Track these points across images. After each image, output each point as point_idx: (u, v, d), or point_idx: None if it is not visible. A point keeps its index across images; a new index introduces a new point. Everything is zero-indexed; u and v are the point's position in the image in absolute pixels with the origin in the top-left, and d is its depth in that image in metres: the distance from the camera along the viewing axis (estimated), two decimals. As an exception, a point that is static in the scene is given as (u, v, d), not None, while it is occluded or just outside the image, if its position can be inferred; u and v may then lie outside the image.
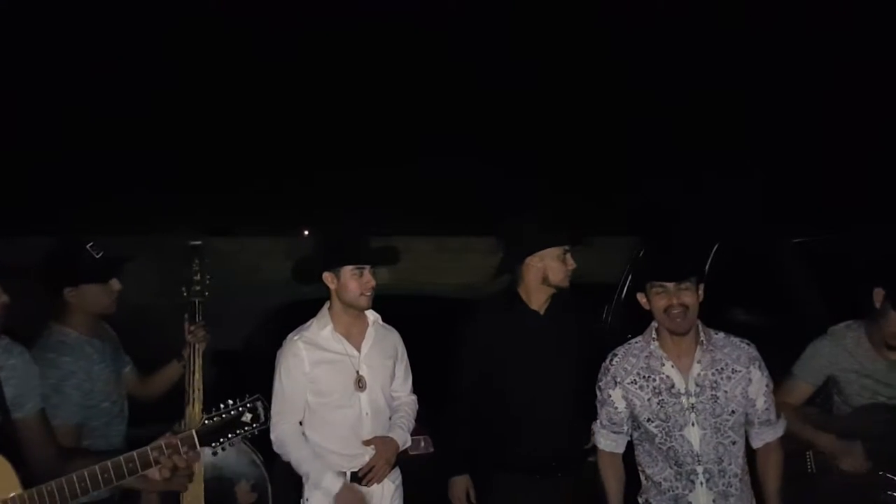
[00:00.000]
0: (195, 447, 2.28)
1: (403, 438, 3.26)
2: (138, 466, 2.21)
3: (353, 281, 3.14)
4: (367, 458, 3.14)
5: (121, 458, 2.21)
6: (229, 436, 2.31)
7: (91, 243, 3.07)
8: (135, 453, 2.22)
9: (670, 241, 3.09)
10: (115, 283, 3.12)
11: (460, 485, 3.38)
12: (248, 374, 5.37)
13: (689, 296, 2.79)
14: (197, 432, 2.29)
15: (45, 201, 9.32)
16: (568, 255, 3.29)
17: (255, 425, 2.34)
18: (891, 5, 8.83)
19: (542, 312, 3.35)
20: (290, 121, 11.01)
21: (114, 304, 3.14)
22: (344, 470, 3.12)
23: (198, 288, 3.25)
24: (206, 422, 2.30)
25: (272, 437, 3.10)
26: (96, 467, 2.17)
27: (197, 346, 3.20)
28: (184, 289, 3.25)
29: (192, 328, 3.22)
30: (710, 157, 10.16)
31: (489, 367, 3.33)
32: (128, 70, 10.29)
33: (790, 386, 3.30)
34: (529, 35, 10.76)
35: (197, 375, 3.16)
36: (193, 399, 3.13)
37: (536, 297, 3.34)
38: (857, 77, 9.59)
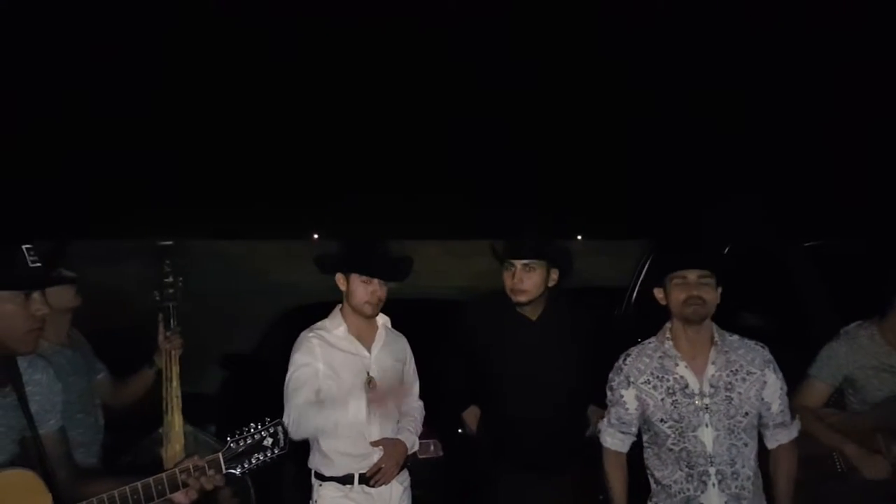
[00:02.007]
0: (221, 471, 2.29)
1: (411, 441, 3.25)
2: (167, 488, 2.22)
3: (360, 288, 3.14)
4: (374, 459, 3.13)
5: (150, 479, 2.21)
6: (252, 460, 2.33)
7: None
8: (163, 475, 2.23)
9: (693, 234, 3.09)
10: (68, 273, 3.03)
11: (472, 415, 3.60)
12: (257, 377, 5.40)
13: (709, 291, 2.80)
14: (222, 455, 2.30)
15: (46, 205, 9.34)
16: (515, 271, 3.30)
17: (275, 450, 2.37)
18: (891, 5, 8.77)
19: (533, 318, 3.38)
20: (299, 125, 11.03)
21: (77, 296, 3.07)
22: (352, 472, 3.12)
23: (171, 291, 3.14)
24: (232, 445, 2.32)
25: (291, 430, 2.92)
26: (126, 488, 2.18)
27: (173, 352, 3.12)
28: (156, 293, 3.13)
29: (167, 334, 3.13)
30: (721, 159, 10.13)
31: (480, 365, 3.39)
32: (141, 72, 10.34)
33: (808, 388, 3.35)
34: (546, 36, 10.73)
35: (175, 383, 3.08)
36: (172, 407, 3.05)
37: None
38: (869, 77, 9.53)
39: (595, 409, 3.44)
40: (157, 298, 3.14)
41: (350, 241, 3.23)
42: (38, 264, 2.17)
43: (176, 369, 3.10)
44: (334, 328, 3.20)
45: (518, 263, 3.29)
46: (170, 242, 3.14)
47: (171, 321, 3.14)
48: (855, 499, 3.21)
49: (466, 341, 3.51)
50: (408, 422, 3.29)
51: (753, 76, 10.51)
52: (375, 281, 3.12)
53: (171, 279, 3.13)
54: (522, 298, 3.31)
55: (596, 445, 3.38)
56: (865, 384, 3.30)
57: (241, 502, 3.21)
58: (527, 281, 3.29)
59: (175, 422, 3.02)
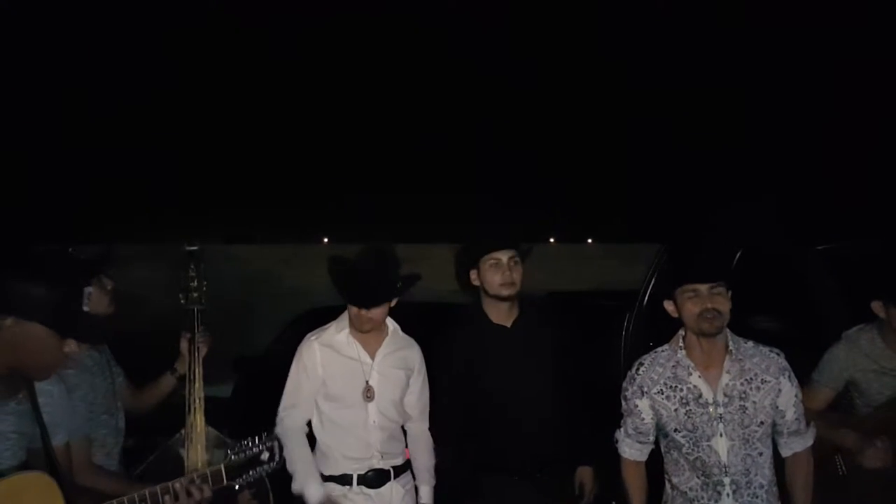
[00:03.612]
0: (222, 482, 2.44)
1: (431, 495, 3.33)
2: (172, 497, 2.32)
3: (352, 308, 3.17)
4: (374, 462, 3.18)
5: (157, 487, 2.31)
6: (250, 472, 2.50)
7: (71, 249, 3.04)
8: (168, 484, 2.32)
9: (700, 244, 3.06)
10: (108, 281, 3.08)
11: None
12: (267, 380, 5.41)
13: (722, 301, 2.78)
14: (225, 467, 2.44)
15: (56, 208, 9.39)
16: (504, 263, 3.27)
17: (271, 464, 2.54)
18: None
19: (508, 325, 3.35)
20: (310, 129, 11.07)
21: (112, 303, 3.09)
22: (350, 472, 3.17)
23: (196, 295, 3.19)
24: (233, 457, 2.46)
25: (277, 429, 3.18)
26: (135, 495, 2.26)
27: (197, 355, 3.16)
28: (181, 296, 3.18)
29: (193, 337, 3.17)
30: (731, 161, 10.11)
31: (464, 382, 3.33)
32: (153, 76, 10.38)
33: (811, 393, 3.32)
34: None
35: (197, 384, 3.12)
36: (195, 409, 3.09)
37: (494, 310, 3.35)
38: (874, 77, 9.50)
39: (584, 470, 3.43)
40: (183, 302, 3.19)
41: (341, 267, 3.21)
42: (87, 308, 2.23)
43: (199, 371, 3.14)
44: (338, 332, 3.23)
45: (506, 257, 3.28)
46: (196, 247, 3.18)
47: (197, 324, 3.19)
48: (858, 502, 3.21)
49: (447, 362, 3.43)
50: (424, 476, 3.32)
51: (759, 77, 10.50)
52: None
53: (196, 283, 3.17)
54: (513, 291, 3.29)
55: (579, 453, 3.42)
56: (867, 388, 3.32)
57: None
58: (515, 273, 3.29)
59: (197, 423, 3.06)
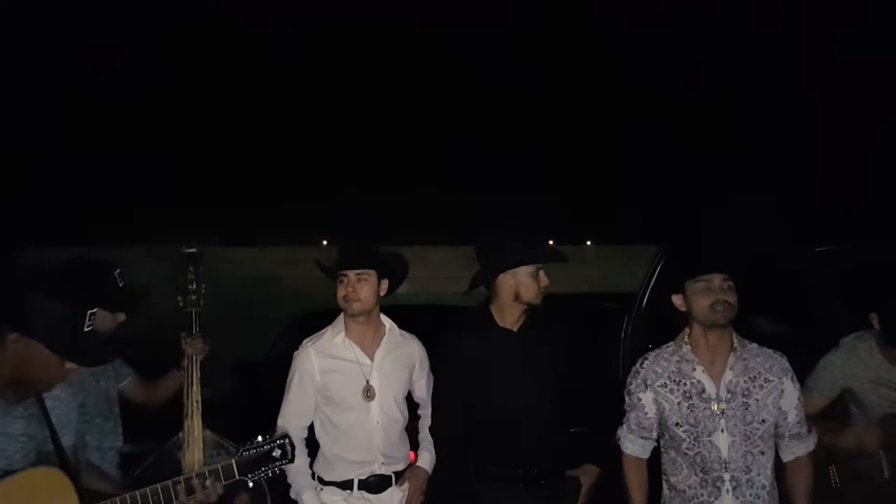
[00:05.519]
0: (234, 477, 2.47)
1: (431, 462, 3.31)
2: (183, 490, 2.38)
3: (338, 286, 3.19)
4: (376, 467, 3.18)
5: (168, 481, 2.36)
6: (262, 468, 2.52)
7: (118, 270, 3.08)
8: (182, 478, 2.38)
9: (712, 237, 3.08)
10: (122, 317, 3.14)
11: None
12: (266, 383, 5.40)
13: (733, 295, 2.81)
14: (236, 462, 2.48)
15: (55, 209, 9.38)
16: (541, 272, 3.28)
17: (283, 461, 2.56)
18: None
19: (515, 329, 3.32)
20: (310, 132, 11.07)
21: (113, 332, 3.13)
22: (352, 477, 3.16)
23: (194, 297, 3.19)
24: (245, 453, 2.49)
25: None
26: (147, 489, 2.30)
27: (195, 357, 3.16)
28: (179, 298, 3.19)
29: (189, 340, 3.18)
30: (730, 162, 10.11)
31: (467, 386, 3.29)
32: (152, 78, 10.39)
33: (805, 399, 3.24)
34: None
35: (195, 388, 3.12)
36: (192, 412, 3.09)
37: (509, 314, 3.31)
38: (874, 79, 9.50)
39: (587, 469, 3.41)
40: (181, 304, 3.19)
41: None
42: (91, 328, 2.25)
43: (197, 374, 3.14)
44: (334, 336, 3.24)
45: (535, 266, 3.29)
46: (194, 249, 3.17)
47: (194, 327, 3.18)
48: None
49: (455, 363, 3.38)
50: (426, 442, 3.33)
51: (758, 77, 10.50)
52: (351, 277, 3.15)
53: (194, 285, 3.16)
54: (540, 300, 3.31)
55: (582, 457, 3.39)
56: (864, 398, 3.28)
57: None
58: None
59: (195, 426, 3.05)
